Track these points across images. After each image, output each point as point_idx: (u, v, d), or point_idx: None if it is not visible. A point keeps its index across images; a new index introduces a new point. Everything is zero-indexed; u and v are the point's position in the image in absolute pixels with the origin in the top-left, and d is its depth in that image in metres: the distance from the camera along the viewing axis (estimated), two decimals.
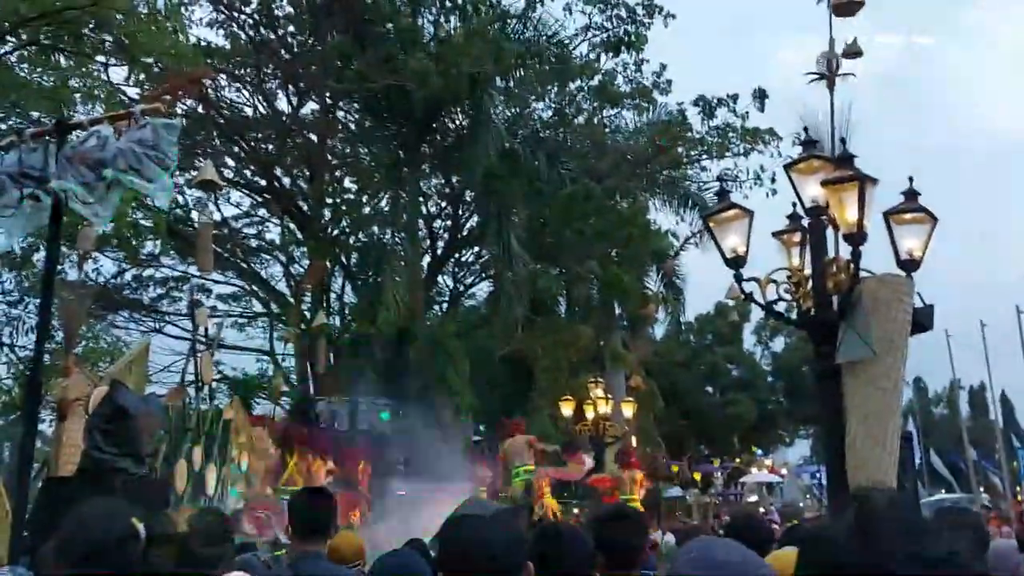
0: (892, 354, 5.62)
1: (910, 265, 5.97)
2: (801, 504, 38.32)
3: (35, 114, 10.93)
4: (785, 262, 6.58)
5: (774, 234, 6.65)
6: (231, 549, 2.53)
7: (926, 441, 34.16)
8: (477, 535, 2.08)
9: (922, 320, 5.89)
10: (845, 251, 6.13)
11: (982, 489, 30.27)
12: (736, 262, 6.38)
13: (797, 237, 6.54)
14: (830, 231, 6.26)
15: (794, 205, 6.52)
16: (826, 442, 5.99)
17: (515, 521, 2.64)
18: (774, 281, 6.40)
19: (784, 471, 44.27)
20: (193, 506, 9.20)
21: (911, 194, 6.06)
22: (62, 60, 12.95)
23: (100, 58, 13.67)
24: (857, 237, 5.75)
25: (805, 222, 6.41)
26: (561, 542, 2.60)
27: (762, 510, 31.45)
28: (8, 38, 12.49)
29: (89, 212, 5.08)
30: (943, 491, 35.30)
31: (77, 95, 11.83)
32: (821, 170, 6.11)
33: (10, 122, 10.76)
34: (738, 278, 6.41)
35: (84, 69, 12.72)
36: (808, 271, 6.27)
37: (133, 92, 14.08)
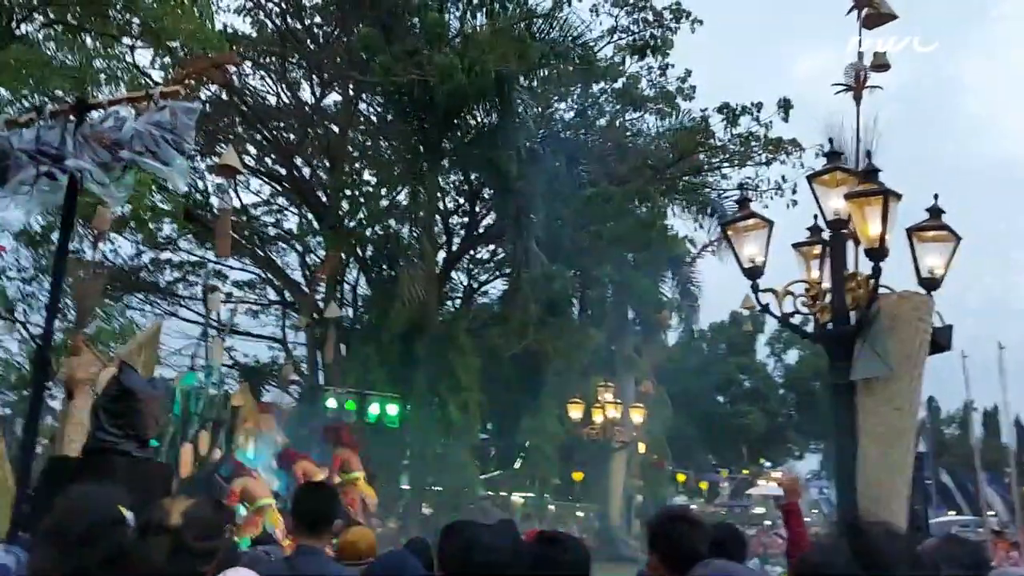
0: (909, 373, 5.52)
1: (931, 283, 5.87)
2: (808, 519, 38.11)
3: (58, 92, 10.94)
4: (802, 274, 6.48)
5: (794, 246, 6.55)
6: (226, 542, 2.49)
7: (938, 461, 33.79)
8: (479, 541, 2.03)
9: (941, 340, 5.78)
10: (864, 265, 6.04)
11: (992, 513, 29.88)
12: (753, 272, 6.29)
13: (817, 250, 6.44)
14: (850, 245, 6.16)
15: (815, 217, 6.42)
16: (837, 459, 5.89)
17: (515, 528, 2.56)
18: (791, 293, 6.31)
19: None
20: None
21: (935, 211, 5.95)
22: (88, 40, 12.98)
23: (126, 40, 13.71)
24: (879, 252, 5.65)
25: (826, 235, 6.31)
26: (560, 549, 2.54)
27: (768, 523, 31.32)
28: (36, 15, 12.53)
29: (104, 192, 5.06)
30: (952, 513, 34.92)
31: (101, 76, 11.85)
32: (845, 183, 6.00)
33: (32, 100, 10.78)
34: (755, 288, 6.32)
35: (109, 51, 12.75)
36: (826, 284, 6.17)
37: (157, 76, 14.13)
